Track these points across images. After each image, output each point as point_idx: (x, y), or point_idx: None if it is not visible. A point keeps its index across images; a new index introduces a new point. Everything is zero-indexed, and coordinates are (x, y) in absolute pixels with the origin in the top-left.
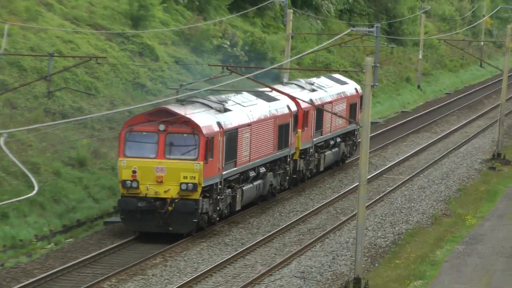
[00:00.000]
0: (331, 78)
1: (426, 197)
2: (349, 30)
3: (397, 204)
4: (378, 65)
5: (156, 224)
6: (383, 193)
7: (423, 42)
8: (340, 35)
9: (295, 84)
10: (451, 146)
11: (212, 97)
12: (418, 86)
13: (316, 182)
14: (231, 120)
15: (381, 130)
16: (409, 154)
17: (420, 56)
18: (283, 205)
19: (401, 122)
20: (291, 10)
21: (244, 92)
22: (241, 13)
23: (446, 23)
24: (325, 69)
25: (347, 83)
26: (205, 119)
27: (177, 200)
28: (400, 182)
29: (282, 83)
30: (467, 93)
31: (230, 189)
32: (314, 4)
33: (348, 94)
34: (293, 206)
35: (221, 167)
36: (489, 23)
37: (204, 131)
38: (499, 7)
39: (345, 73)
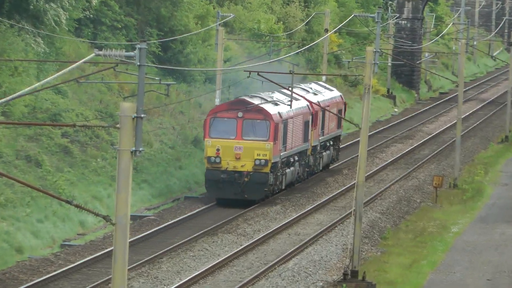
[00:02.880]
0: (320, 85)
1: None
2: (92, 55)
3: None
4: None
5: (234, 192)
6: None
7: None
8: (79, 63)
9: (300, 88)
10: None
11: (261, 93)
12: None
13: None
14: (283, 112)
15: None
16: None
17: (217, 100)
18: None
19: None
20: None
21: (275, 91)
22: None
23: (262, 43)
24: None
25: (333, 90)
26: (271, 108)
27: (252, 173)
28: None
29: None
30: None
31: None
32: (33, 9)
33: (337, 100)
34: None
35: (281, 149)
36: (335, 43)
37: (274, 118)
38: (352, 15)
39: None
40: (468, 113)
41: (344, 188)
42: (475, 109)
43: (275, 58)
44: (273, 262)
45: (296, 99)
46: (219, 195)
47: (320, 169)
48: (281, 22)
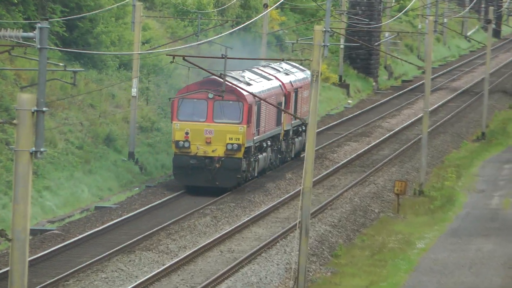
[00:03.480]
0: (291, 64)
1: None
2: None
3: None
4: None
5: (205, 179)
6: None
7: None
8: None
9: (270, 67)
10: None
11: (231, 72)
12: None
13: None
14: (256, 93)
15: None
16: None
17: (134, 90)
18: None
19: None
20: None
21: (245, 70)
22: None
23: (188, 21)
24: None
25: (305, 70)
26: (245, 89)
27: (223, 158)
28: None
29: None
30: None
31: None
32: None
33: (309, 81)
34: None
35: (254, 133)
36: (277, 21)
37: (247, 99)
38: None
39: None
40: (436, 105)
41: (287, 195)
42: (445, 100)
43: (204, 39)
44: (202, 285)
45: (268, 79)
46: (188, 182)
47: (292, 157)
48: None
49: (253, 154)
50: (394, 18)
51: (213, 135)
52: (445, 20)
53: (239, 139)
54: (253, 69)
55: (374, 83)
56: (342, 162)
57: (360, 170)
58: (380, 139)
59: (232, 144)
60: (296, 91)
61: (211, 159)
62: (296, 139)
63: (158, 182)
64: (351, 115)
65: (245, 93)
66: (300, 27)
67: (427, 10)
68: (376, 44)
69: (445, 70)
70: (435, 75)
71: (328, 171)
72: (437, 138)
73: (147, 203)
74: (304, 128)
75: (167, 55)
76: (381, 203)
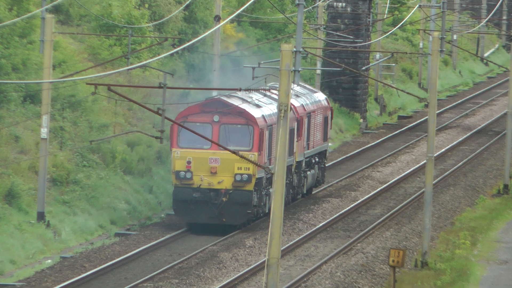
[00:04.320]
0: (300, 85)
1: None
2: None
3: None
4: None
5: (210, 216)
6: None
7: None
8: None
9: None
10: None
11: (237, 93)
12: None
13: None
14: (267, 115)
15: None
16: None
17: (44, 130)
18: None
19: None
20: None
21: (252, 91)
22: None
23: (115, 39)
24: None
25: (317, 91)
26: (255, 111)
27: (231, 191)
28: None
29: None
30: None
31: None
32: None
33: (322, 105)
34: None
35: (266, 162)
36: (232, 38)
37: (258, 123)
38: None
39: None
40: (444, 149)
41: (248, 269)
42: (455, 142)
43: (136, 62)
44: None
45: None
46: (191, 219)
47: (304, 192)
48: (147, 5)
49: (264, 187)
50: (388, 34)
51: (219, 164)
52: (455, 37)
53: (249, 168)
54: (260, 90)
55: (361, 120)
56: (320, 225)
57: (343, 235)
58: (370, 194)
59: (241, 174)
60: (308, 115)
61: (217, 192)
62: (308, 172)
63: (77, 252)
64: (332, 163)
65: (255, 115)
66: (263, 46)
67: (430, 23)
68: (363, 68)
69: (455, 103)
70: (442, 109)
71: (302, 236)
72: (446, 192)
73: (63, 280)
74: (316, 159)
75: (87, 83)
76: (372, 278)
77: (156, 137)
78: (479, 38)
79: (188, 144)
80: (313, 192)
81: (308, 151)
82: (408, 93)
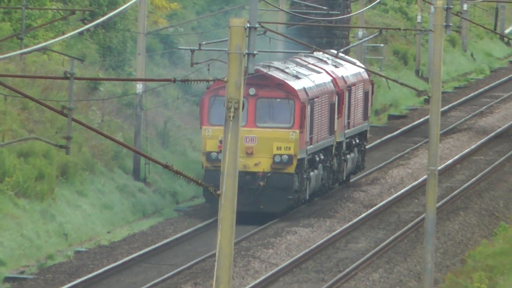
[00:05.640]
0: (334, 54)
1: None
2: None
3: None
4: None
5: (245, 202)
6: None
7: None
8: None
9: (313, 56)
10: None
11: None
12: None
13: None
14: (309, 88)
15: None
16: None
17: None
18: None
19: None
20: None
21: (286, 60)
22: None
23: (5, 14)
24: None
25: (355, 61)
26: (295, 83)
27: (270, 174)
28: None
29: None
30: None
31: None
32: None
33: (363, 77)
34: None
35: (307, 141)
36: (164, 10)
37: (300, 96)
38: None
39: None
40: (452, 160)
41: None
42: (466, 150)
43: (32, 45)
44: None
45: (317, 72)
46: None
47: (344, 179)
48: None
49: (306, 170)
50: (374, 3)
51: (256, 144)
52: (465, 6)
53: (290, 148)
54: (295, 59)
55: None
56: (284, 264)
57: (315, 279)
58: (352, 222)
59: (281, 155)
60: (349, 89)
61: (253, 176)
62: (348, 156)
63: None
64: None
65: (297, 88)
66: (205, 21)
67: None
68: (342, 50)
69: (465, 97)
70: (449, 105)
71: (260, 280)
72: (454, 219)
73: None
74: (357, 141)
75: None
76: None
77: (61, 146)
78: (498, 8)
79: (221, 121)
80: (351, 180)
81: (349, 130)
82: (402, 83)
